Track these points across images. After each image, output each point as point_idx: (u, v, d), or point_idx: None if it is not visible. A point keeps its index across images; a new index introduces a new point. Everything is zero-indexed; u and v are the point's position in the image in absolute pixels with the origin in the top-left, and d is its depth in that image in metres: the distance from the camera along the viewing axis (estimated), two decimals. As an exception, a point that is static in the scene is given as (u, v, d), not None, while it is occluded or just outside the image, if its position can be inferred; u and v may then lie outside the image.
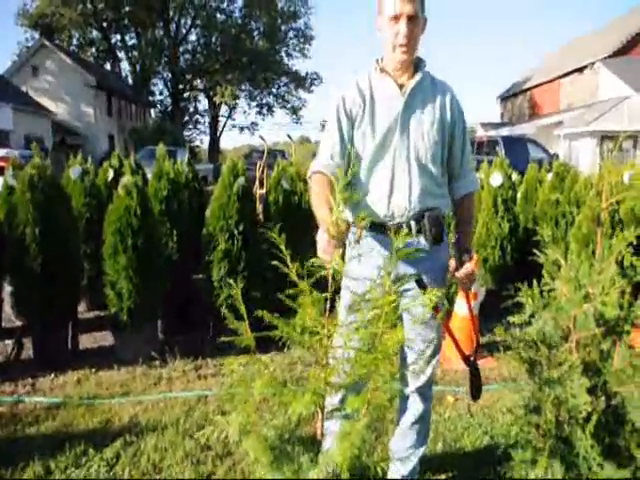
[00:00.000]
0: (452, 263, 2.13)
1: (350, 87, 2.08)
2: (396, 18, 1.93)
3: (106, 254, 3.74)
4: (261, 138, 6.11)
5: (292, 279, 1.36)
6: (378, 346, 1.37)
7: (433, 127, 2.04)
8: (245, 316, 1.40)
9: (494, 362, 3.90)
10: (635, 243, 1.88)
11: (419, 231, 2.02)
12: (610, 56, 27.49)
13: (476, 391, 2.26)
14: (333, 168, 1.97)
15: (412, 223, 2.03)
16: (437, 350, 2.18)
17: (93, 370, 3.69)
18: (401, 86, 2.03)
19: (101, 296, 3.94)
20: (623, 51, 27.68)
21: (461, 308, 3.97)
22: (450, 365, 3.86)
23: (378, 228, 2.02)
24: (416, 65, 2.07)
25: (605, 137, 23.93)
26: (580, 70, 29.52)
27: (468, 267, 2.10)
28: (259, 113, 44.29)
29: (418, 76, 2.03)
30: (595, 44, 30.28)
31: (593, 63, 28.19)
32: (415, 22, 1.95)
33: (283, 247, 1.38)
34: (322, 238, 1.70)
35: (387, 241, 2.00)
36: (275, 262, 1.38)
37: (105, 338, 4.26)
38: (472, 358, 2.26)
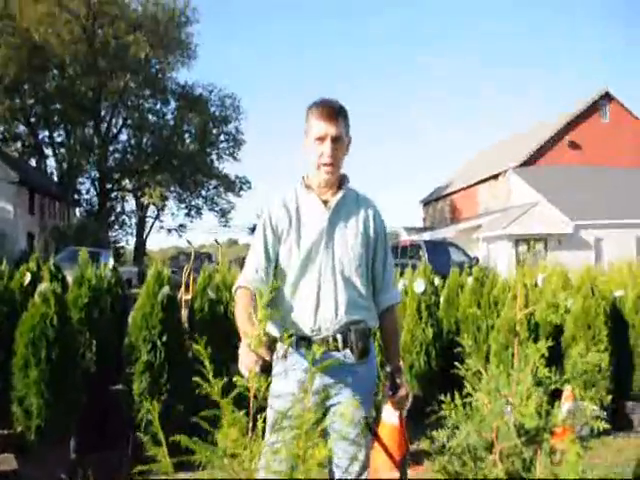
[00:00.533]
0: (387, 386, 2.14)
1: (277, 203, 2.16)
2: (321, 139, 2.05)
3: (16, 367, 3.52)
4: (188, 242, 6.13)
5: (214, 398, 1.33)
6: (300, 467, 1.34)
7: (357, 240, 2.11)
8: (163, 440, 1.34)
9: (424, 470, 3.84)
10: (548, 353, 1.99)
11: (345, 345, 2.03)
12: (520, 165, 29.92)
13: None
14: (257, 282, 2.01)
15: (338, 337, 2.04)
16: (364, 467, 2.14)
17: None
18: (325, 202, 2.11)
19: (6, 413, 3.65)
20: (531, 161, 30.22)
21: (389, 417, 3.94)
22: (380, 475, 3.77)
23: (304, 342, 2.02)
24: (340, 181, 2.16)
25: (519, 240, 25.51)
26: (495, 177, 31.83)
27: (403, 391, 2.12)
28: (187, 215, 44.33)
29: (342, 192, 2.13)
30: (506, 154, 32.94)
31: (505, 171, 30.52)
32: (339, 143, 2.08)
33: (207, 362, 1.36)
34: (244, 352, 1.70)
35: (295, 356, 2.02)
36: (197, 379, 1.35)
37: (8, 461, 3.87)
38: (403, 466, 2.23)
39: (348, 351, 2.03)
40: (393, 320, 2.26)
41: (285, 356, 1.92)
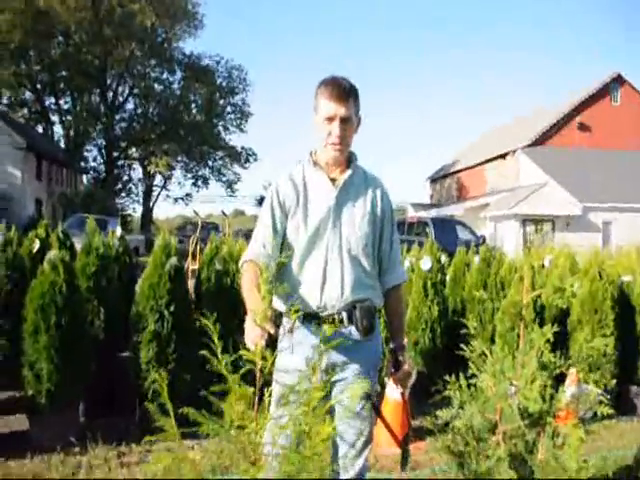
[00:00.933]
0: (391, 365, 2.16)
1: (284, 179, 2.15)
2: (330, 119, 2.04)
3: (26, 332, 3.56)
4: (195, 213, 6.13)
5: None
6: (306, 442, 1.36)
7: (364, 220, 2.11)
8: (171, 411, 1.36)
9: (425, 446, 3.89)
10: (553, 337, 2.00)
11: (351, 322, 2.04)
12: (529, 145, 29.65)
13: (405, 464, 2.26)
14: (264, 257, 2.02)
15: (344, 314, 2.05)
16: (368, 441, 2.17)
17: (2, 459, 3.40)
18: (333, 180, 2.11)
19: (17, 376, 3.71)
20: (540, 141, 29.94)
21: (393, 392, 3.98)
22: (382, 450, 3.83)
23: (310, 319, 2.04)
24: (348, 159, 2.15)
25: (526, 220, 25.41)
26: (503, 156, 31.58)
27: (405, 368, 2.12)
28: (194, 185, 44.29)
29: (350, 170, 2.12)
30: (515, 133, 32.62)
31: (514, 151, 30.27)
32: (348, 123, 2.06)
33: (215, 338, 1.37)
34: (249, 326, 1.70)
35: (318, 332, 2.01)
36: (205, 353, 1.37)
37: (19, 422, 3.96)
38: (405, 443, 2.25)
39: (353, 328, 2.05)
40: (398, 298, 2.26)
41: (292, 331, 1.93)
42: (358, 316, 2.03)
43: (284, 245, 2.11)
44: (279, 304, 2.11)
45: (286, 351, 1.97)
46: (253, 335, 1.64)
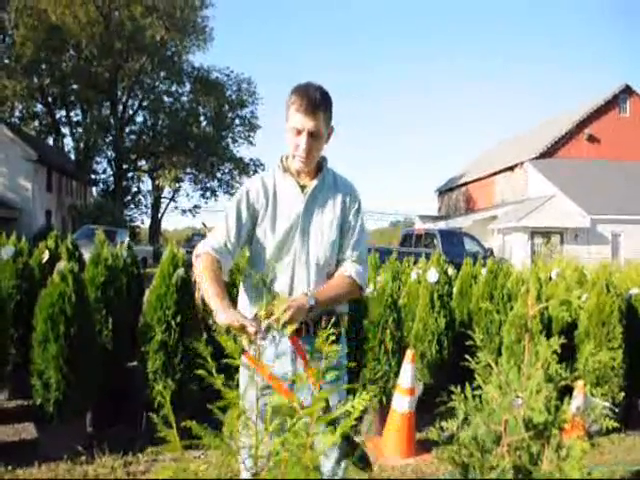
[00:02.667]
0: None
1: (255, 182, 2.13)
2: (298, 132, 2.01)
3: (36, 341, 3.59)
4: (203, 225, 6.17)
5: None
6: (307, 455, 1.36)
7: (332, 227, 2.09)
8: (174, 424, 1.38)
9: (431, 458, 3.89)
10: (560, 350, 2.00)
11: (316, 330, 2.00)
12: (537, 157, 29.62)
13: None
14: (225, 254, 1.99)
15: (310, 323, 2.03)
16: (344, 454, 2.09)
17: (10, 467, 3.43)
18: (303, 187, 2.10)
19: (26, 384, 3.74)
20: (548, 153, 29.91)
21: (399, 404, 3.98)
22: (387, 461, 3.82)
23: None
24: (318, 165, 2.14)
25: (535, 232, 25.34)
26: (512, 168, 31.56)
27: (288, 313, 1.81)
28: (202, 197, 44.57)
29: (318, 178, 2.11)
30: (523, 145, 32.61)
31: (523, 163, 30.25)
32: (317, 138, 2.03)
33: (208, 358, 1.38)
34: (222, 309, 1.74)
35: (284, 341, 2.00)
36: (201, 372, 1.37)
37: (27, 430, 4.00)
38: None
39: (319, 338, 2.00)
40: (342, 280, 2.09)
41: (264, 338, 1.91)
42: (324, 325, 2.02)
43: (251, 251, 2.11)
44: (244, 310, 2.08)
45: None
46: (231, 315, 1.67)
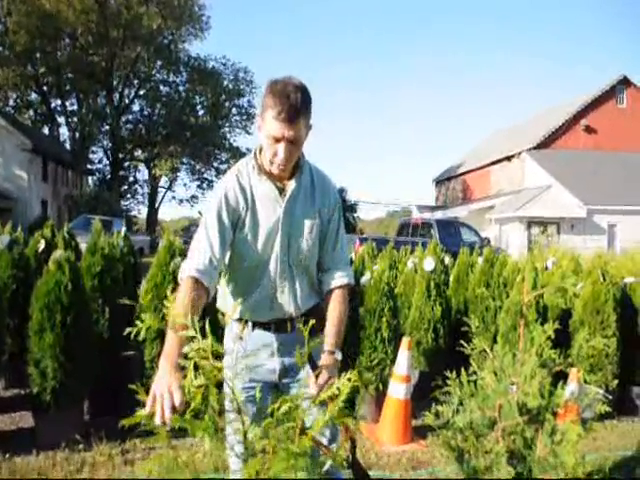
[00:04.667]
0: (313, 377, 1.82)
1: (232, 184, 1.99)
2: (276, 140, 1.85)
3: (32, 330, 3.59)
4: (200, 214, 6.16)
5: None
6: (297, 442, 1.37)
7: (313, 232, 2.03)
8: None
9: (426, 444, 3.92)
10: (555, 337, 2.02)
11: (301, 327, 2.01)
12: (534, 147, 29.62)
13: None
14: (211, 273, 1.86)
15: (295, 319, 2.02)
16: (336, 434, 2.05)
17: (7, 456, 3.44)
18: (281, 190, 1.99)
19: (23, 373, 3.75)
20: (545, 144, 29.91)
21: (395, 392, 4.00)
22: (384, 448, 3.85)
23: (260, 326, 2.02)
24: (296, 162, 2.00)
25: (531, 222, 25.39)
26: (509, 159, 31.55)
27: (323, 377, 1.79)
28: (199, 187, 44.44)
29: (296, 180, 2.00)
30: (520, 136, 32.59)
31: (520, 153, 30.24)
32: (296, 143, 1.89)
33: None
34: (163, 372, 1.56)
35: (268, 337, 2.02)
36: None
37: (24, 419, 4.01)
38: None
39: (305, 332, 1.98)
40: (339, 300, 2.05)
41: (241, 338, 1.90)
42: (309, 322, 2.01)
43: (233, 255, 2.02)
44: (226, 308, 2.07)
45: (232, 355, 1.92)
46: (160, 387, 1.50)
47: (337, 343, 1.94)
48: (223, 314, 2.04)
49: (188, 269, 1.83)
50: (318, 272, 2.11)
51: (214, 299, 2.12)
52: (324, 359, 1.87)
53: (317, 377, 1.79)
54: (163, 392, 1.46)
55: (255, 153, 2.02)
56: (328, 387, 1.74)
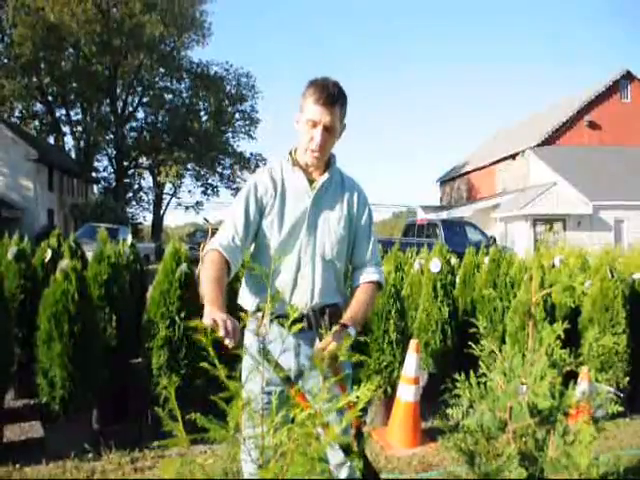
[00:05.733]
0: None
1: (264, 175, 2.11)
2: (314, 124, 2.00)
3: (40, 340, 3.60)
4: (205, 220, 6.17)
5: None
6: (313, 445, 1.36)
7: (339, 224, 2.08)
8: (179, 417, 1.38)
9: (437, 446, 3.89)
10: (564, 336, 2.00)
11: (319, 325, 2.01)
12: (538, 145, 29.51)
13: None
14: (232, 251, 1.96)
15: (312, 318, 2.03)
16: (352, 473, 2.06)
17: (17, 466, 3.44)
18: (311, 182, 2.09)
19: (32, 383, 3.75)
20: (550, 141, 29.79)
21: (404, 394, 3.99)
22: (394, 452, 3.83)
23: (278, 319, 1.99)
24: (328, 160, 2.13)
25: (537, 220, 25.27)
26: (513, 157, 31.45)
27: (327, 340, 1.83)
28: (204, 193, 44.52)
29: (328, 173, 2.10)
30: (524, 133, 32.48)
31: (524, 151, 30.13)
32: (331, 132, 2.02)
33: (210, 349, 1.37)
34: (209, 312, 1.66)
35: (286, 334, 2.01)
36: (205, 364, 1.37)
37: (34, 429, 4.02)
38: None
39: (322, 332, 1.96)
40: (367, 292, 2.10)
41: (260, 334, 1.89)
42: (327, 320, 2.01)
43: (256, 244, 2.09)
44: (246, 302, 2.10)
45: (252, 349, 1.98)
46: (218, 316, 1.62)
47: (354, 319, 1.98)
48: (244, 310, 2.05)
49: (213, 244, 1.97)
50: (348, 271, 2.17)
51: (235, 294, 2.18)
52: (334, 328, 1.85)
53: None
54: (222, 317, 1.60)
55: (290, 151, 2.15)
56: (329, 352, 1.80)
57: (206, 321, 1.59)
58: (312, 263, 2.04)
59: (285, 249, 2.02)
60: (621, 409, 2.00)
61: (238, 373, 1.42)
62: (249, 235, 2.03)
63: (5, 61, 33.51)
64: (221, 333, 1.55)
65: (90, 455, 3.58)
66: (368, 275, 2.14)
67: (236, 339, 1.59)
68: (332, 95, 1.99)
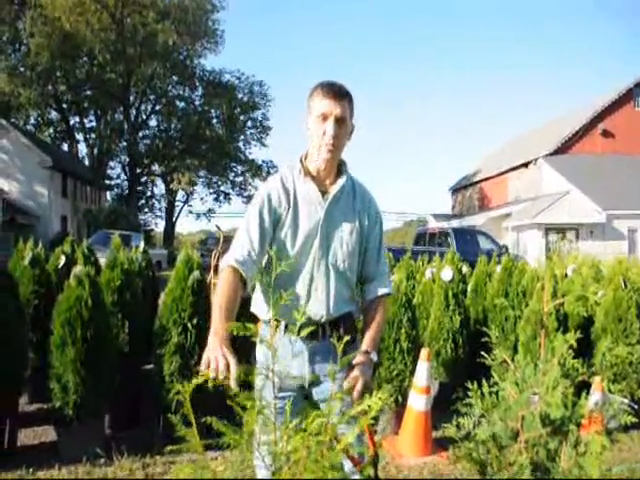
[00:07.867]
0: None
1: (276, 185, 2.07)
2: (325, 117, 1.97)
3: (54, 345, 3.63)
4: (217, 227, 6.20)
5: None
6: (327, 456, 1.36)
7: (352, 236, 2.06)
8: (194, 422, 1.39)
9: (448, 456, 3.87)
10: (576, 346, 1.99)
11: (332, 335, 2.00)
12: (551, 153, 29.37)
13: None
14: (249, 265, 1.93)
15: (327, 327, 2.03)
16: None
17: (31, 470, 3.47)
18: (323, 192, 2.05)
19: (45, 388, 3.79)
20: (562, 149, 29.65)
21: (415, 403, 3.97)
22: (403, 460, 3.82)
23: (292, 329, 1.98)
24: (339, 167, 2.10)
25: (550, 229, 25.13)
26: (525, 165, 31.33)
27: (354, 374, 1.83)
28: (216, 200, 44.75)
29: (340, 181, 2.07)
30: (537, 142, 32.35)
31: (536, 159, 30.01)
32: (342, 125, 1.99)
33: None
34: (212, 343, 1.63)
35: (299, 343, 2.01)
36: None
37: (47, 433, 4.05)
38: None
39: (335, 341, 1.99)
40: (379, 310, 2.12)
41: (271, 341, 1.90)
42: (341, 330, 2.02)
43: (269, 255, 2.03)
44: (259, 311, 2.10)
45: (266, 359, 1.95)
46: (213, 353, 1.58)
47: (373, 345, 2.01)
48: (256, 320, 2.05)
49: (229, 259, 1.92)
50: (359, 283, 2.17)
51: (249, 301, 2.17)
52: (358, 357, 1.89)
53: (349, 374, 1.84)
54: (217, 356, 1.55)
55: (301, 158, 2.11)
56: (356, 382, 1.80)
57: (204, 357, 1.58)
58: (326, 275, 2.03)
59: (298, 261, 2.01)
60: (635, 420, 1.98)
61: (252, 378, 1.43)
62: (264, 249, 2.01)
63: (22, 69, 33.95)
64: (211, 375, 1.52)
65: (102, 460, 3.60)
66: (380, 289, 2.14)
67: (232, 375, 1.52)
68: (340, 88, 2.02)
